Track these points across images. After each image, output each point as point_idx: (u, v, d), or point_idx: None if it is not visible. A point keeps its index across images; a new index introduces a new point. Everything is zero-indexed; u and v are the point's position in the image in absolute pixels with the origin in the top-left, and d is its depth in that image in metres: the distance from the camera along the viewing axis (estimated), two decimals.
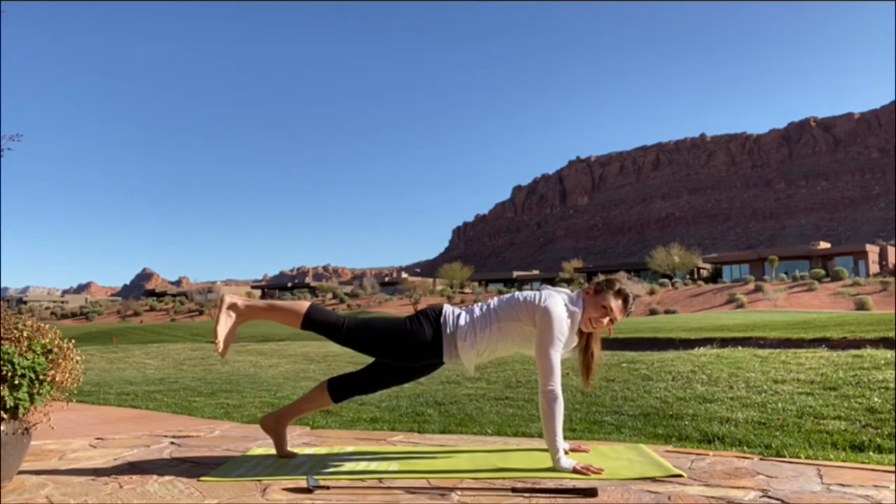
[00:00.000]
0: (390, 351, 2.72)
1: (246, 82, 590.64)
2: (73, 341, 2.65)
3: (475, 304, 2.79)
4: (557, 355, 2.59)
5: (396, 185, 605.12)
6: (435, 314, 2.72)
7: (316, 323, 2.76)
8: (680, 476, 2.43)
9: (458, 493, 2.28)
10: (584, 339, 2.78)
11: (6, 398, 2.34)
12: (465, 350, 2.67)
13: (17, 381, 2.37)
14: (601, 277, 2.91)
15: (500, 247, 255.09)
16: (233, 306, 2.78)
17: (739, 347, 8.22)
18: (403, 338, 2.69)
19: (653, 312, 37.81)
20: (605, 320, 2.72)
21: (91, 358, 11.42)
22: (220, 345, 2.72)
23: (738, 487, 2.29)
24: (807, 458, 2.82)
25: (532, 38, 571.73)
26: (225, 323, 2.74)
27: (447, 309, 2.75)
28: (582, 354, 2.79)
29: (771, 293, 41.23)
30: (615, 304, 2.72)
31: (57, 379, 2.51)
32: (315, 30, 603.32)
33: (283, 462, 2.80)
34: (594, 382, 2.88)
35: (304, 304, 2.81)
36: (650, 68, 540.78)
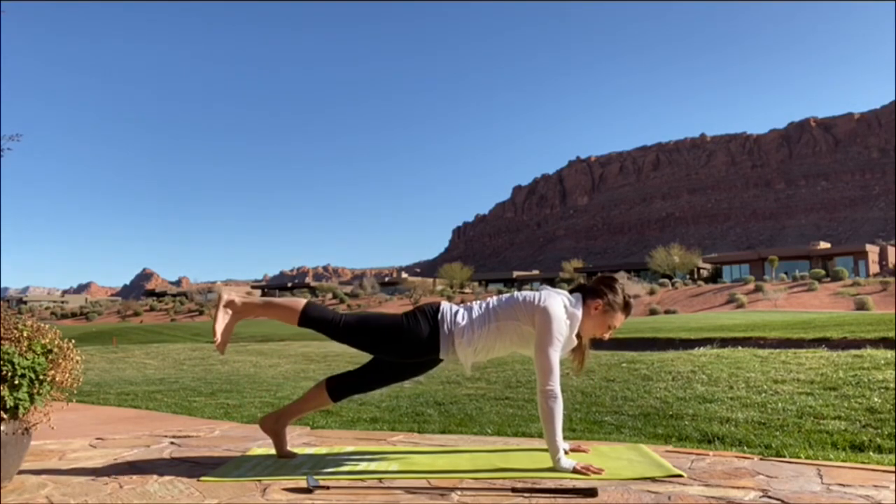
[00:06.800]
0: (387, 347, 2.72)
1: (246, 82, 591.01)
2: (73, 341, 2.65)
3: (474, 302, 2.78)
4: (556, 355, 2.59)
5: (396, 185, 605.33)
6: (432, 311, 2.72)
7: (313, 320, 2.76)
8: (680, 476, 2.43)
9: (458, 493, 2.27)
10: (579, 339, 2.79)
11: (6, 398, 2.34)
12: (463, 348, 2.66)
13: (17, 381, 2.37)
14: (600, 276, 2.89)
15: (500, 247, 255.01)
16: (230, 303, 2.78)
17: (739, 347, 8.22)
18: (400, 334, 2.68)
19: (653, 312, 37.78)
20: (608, 334, 2.77)
21: (91, 358, 11.42)
22: (218, 339, 2.73)
23: (738, 487, 2.29)
24: (807, 458, 2.82)
25: (532, 38, 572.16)
26: (222, 319, 2.75)
27: (445, 306, 2.74)
28: (575, 352, 2.82)
29: (771, 293, 41.20)
30: (621, 319, 2.76)
31: (57, 379, 2.51)
32: (315, 30, 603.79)
33: (283, 462, 2.79)
34: (586, 367, 2.92)
35: (300, 301, 2.81)
36: (650, 68, 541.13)
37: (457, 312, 2.72)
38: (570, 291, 2.79)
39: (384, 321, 2.77)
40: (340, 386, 2.86)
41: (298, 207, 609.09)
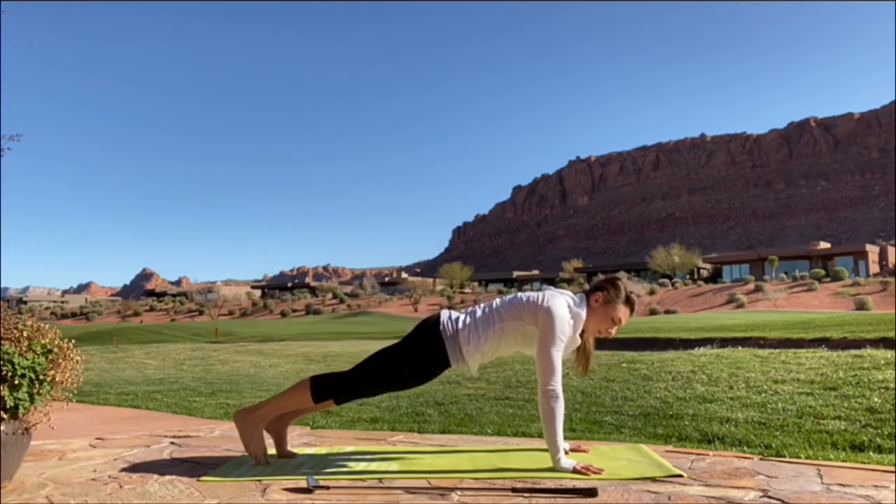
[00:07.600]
0: (399, 381, 2.74)
1: (247, 82, 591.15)
2: (73, 341, 2.65)
3: (477, 305, 2.79)
4: (559, 355, 2.59)
5: (397, 185, 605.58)
6: (432, 323, 2.73)
7: (323, 391, 2.76)
8: (680, 476, 2.43)
9: (458, 493, 2.27)
10: (583, 339, 2.79)
11: (6, 398, 2.34)
12: (471, 353, 2.67)
13: (17, 381, 2.37)
14: (601, 277, 2.89)
15: (500, 247, 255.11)
16: (245, 418, 2.80)
17: (739, 347, 8.22)
18: (401, 366, 2.70)
19: (653, 312, 37.80)
20: (614, 330, 2.75)
21: (91, 358, 11.42)
22: (257, 457, 2.75)
23: (738, 487, 2.29)
24: (807, 458, 2.82)
25: (532, 39, 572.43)
26: (248, 436, 2.78)
27: (444, 316, 2.74)
28: (579, 352, 2.82)
29: (771, 293, 41.23)
30: (625, 313, 2.74)
31: (57, 379, 2.51)
32: (315, 30, 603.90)
33: (283, 462, 2.80)
34: (590, 369, 2.92)
35: (305, 384, 2.80)
36: (650, 68, 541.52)
37: (457, 319, 2.72)
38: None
39: (383, 358, 2.76)
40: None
41: (298, 207, 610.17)
